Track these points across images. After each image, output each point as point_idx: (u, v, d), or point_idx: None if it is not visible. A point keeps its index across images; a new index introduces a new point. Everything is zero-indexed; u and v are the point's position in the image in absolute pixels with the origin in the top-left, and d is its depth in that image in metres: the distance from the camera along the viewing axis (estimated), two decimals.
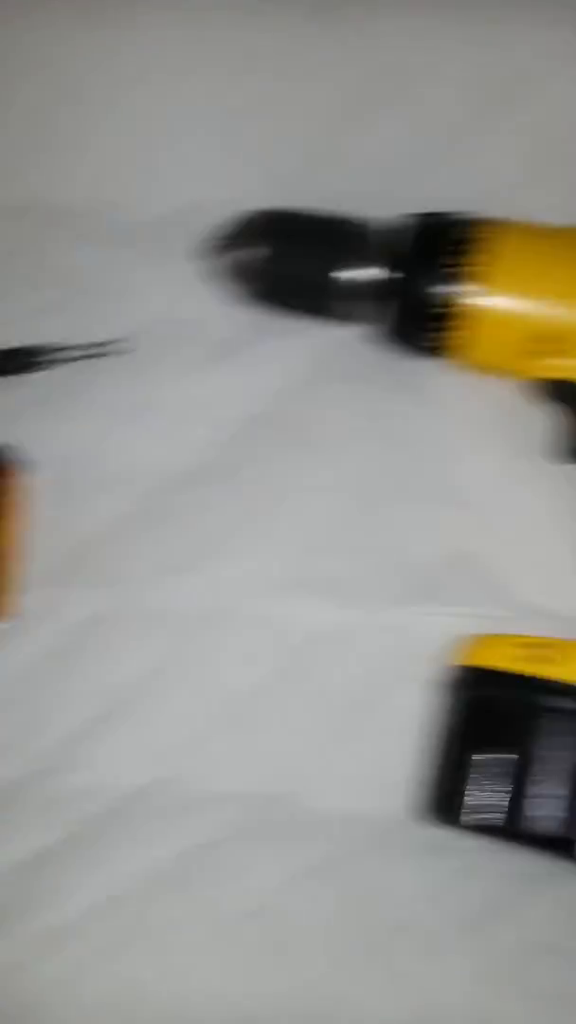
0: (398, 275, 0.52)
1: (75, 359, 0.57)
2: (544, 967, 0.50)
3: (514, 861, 0.50)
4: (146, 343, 0.57)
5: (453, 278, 0.51)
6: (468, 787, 0.48)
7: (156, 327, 0.58)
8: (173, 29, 0.60)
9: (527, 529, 0.55)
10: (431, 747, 0.50)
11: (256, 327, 0.57)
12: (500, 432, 0.56)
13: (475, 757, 0.48)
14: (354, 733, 0.54)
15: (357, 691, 0.54)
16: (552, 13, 0.58)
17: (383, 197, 0.54)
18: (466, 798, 0.48)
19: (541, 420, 0.54)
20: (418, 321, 0.52)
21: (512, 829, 0.47)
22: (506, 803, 0.47)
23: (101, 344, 0.57)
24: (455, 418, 0.56)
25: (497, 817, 0.47)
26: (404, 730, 0.52)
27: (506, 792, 0.47)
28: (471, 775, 0.48)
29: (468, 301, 0.51)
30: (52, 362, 0.57)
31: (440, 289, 0.51)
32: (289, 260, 0.54)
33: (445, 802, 0.49)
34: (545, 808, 0.47)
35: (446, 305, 0.51)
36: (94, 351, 0.57)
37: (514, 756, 0.48)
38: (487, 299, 0.51)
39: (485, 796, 0.48)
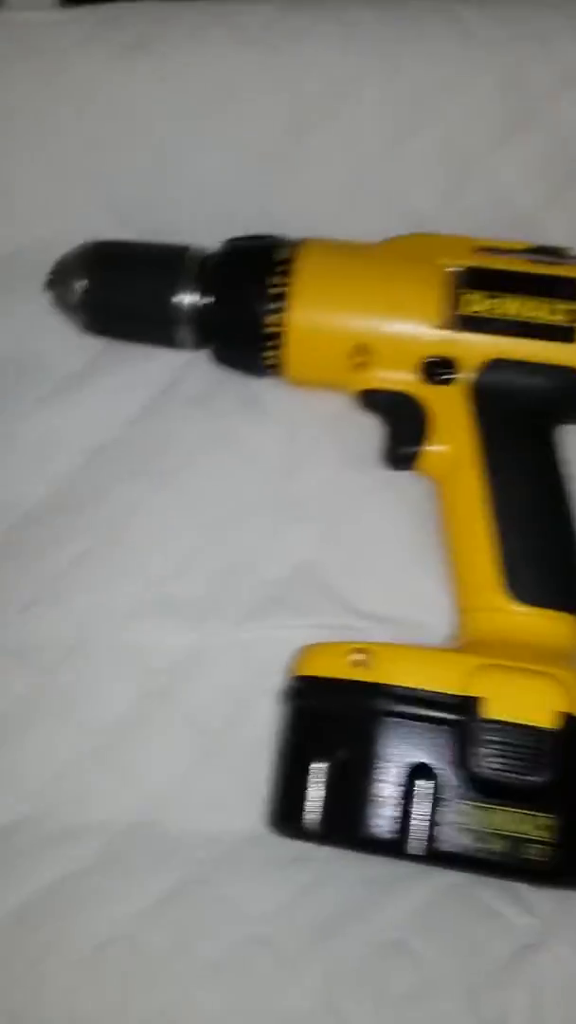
0: (210, 299, 0.53)
1: None
2: (393, 966, 0.50)
3: (364, 867, 0.50)
4: None
5: (265, 298, 0.52)
6: (308, 796, 0.48)
7: (4, 364, 0.59)
8: (16, 66, 0.61)
9: (365, 537, 0.56)
10: (273, 759, 0.51)
11: (104, 357, 0.59)
12: (335, 444, 0.57)
13: (313, 765, 0.48)
14: (215, 752, 0.54)
15: (217, 710, 0.55)
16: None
17: (223, 223, 0.56)
18: (306, 807, 0.48)
19: (373, 430, 0.55)
20: (239, 343, 0.54)
21: (352, 835, 0.47)
22: (344, 809, 0.47)
23: None
24: (292, 434, 0.57)
25: (337, 824, 0.47)
26: (262, 745, 0.52)
27: (344, 798, 0.47)
28: (310, 783, 0.48)
29: (282, 320, 0.52)
30: None
31: (255, 310, 0.52)
32: (107, 290, 0.55)
33: (288, 812, 0.48)
34: (382, 811, 0.47)
35: (263, 325, 0.52)
36: None
37: (348, 762, 0.48)
38: (299, 316, 0.52)
39: (325, 804, 0.47)
